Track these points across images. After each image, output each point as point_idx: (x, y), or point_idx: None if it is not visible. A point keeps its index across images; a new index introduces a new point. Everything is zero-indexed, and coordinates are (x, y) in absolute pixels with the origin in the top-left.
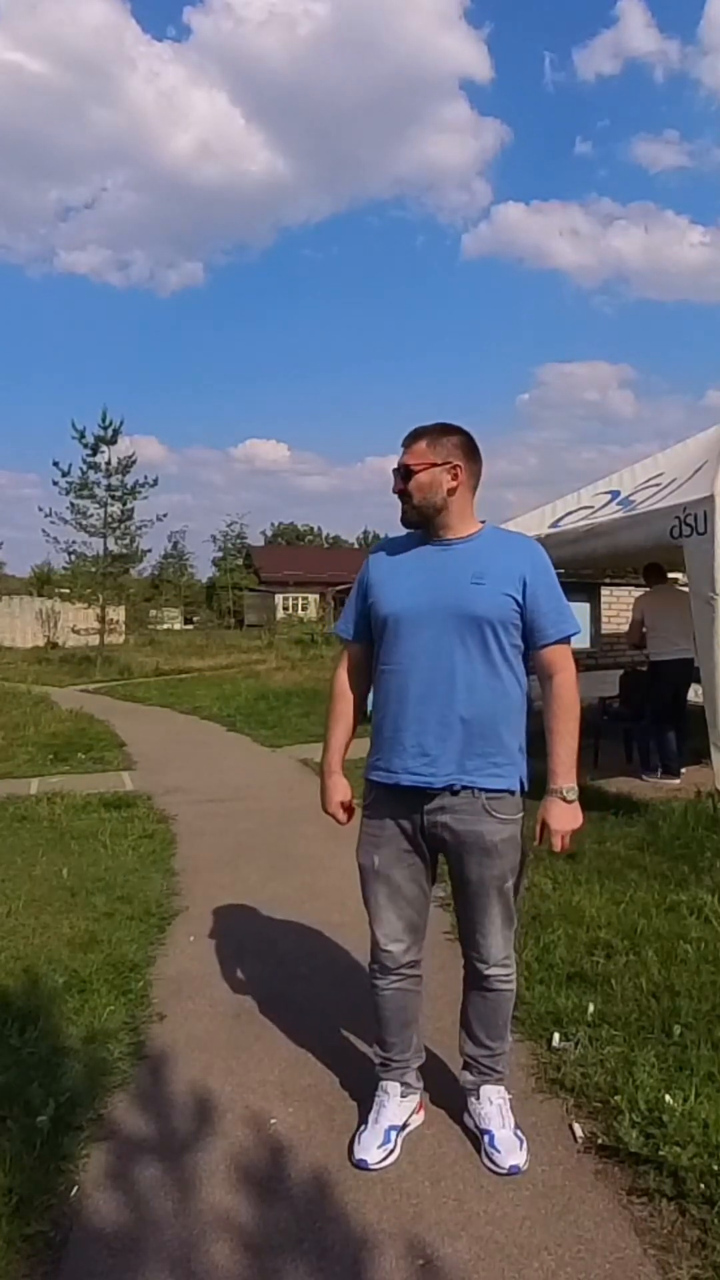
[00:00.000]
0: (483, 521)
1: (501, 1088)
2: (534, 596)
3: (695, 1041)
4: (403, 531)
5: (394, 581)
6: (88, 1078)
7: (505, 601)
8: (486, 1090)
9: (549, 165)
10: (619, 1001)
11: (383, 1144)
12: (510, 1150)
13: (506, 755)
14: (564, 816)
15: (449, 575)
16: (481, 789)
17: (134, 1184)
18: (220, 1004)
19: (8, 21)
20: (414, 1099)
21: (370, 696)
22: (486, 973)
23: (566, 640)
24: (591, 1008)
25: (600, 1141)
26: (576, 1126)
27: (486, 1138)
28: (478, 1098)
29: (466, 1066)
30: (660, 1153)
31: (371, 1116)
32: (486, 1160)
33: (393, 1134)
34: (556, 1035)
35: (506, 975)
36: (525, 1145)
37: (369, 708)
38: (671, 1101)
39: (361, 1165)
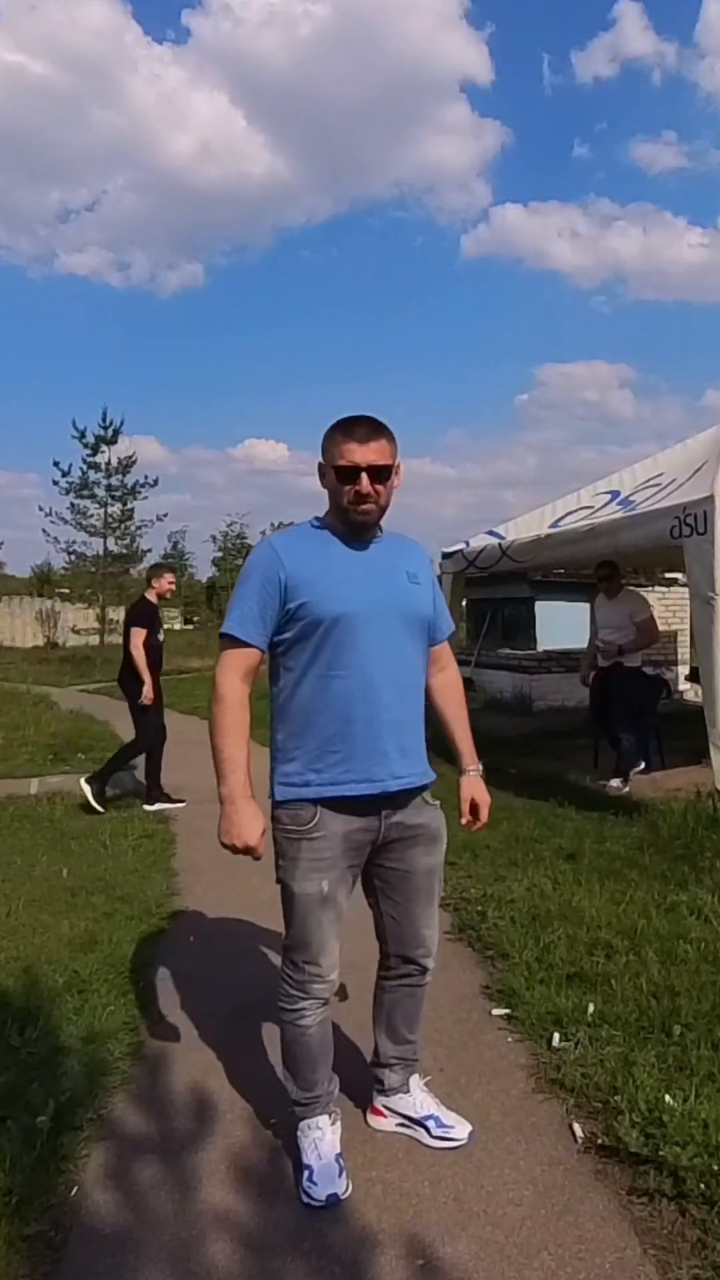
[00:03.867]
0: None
1: (418, 1073)
2: (436, 596)
3: (695, 1041)
4: (311, 535)
5: (332, 580)
6: (87, 1078)
7: (430, 600)
8: (413, 1081)
9: (548, 167)
10: (619, 1001)
11: (340, 1174)
12: (458, 1122)
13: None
14: (485, 791)
15: (388, 573)
16: (431, 782)
17: (134, 1184)
18: (220, 1004)
19: (9, 23)
20: (339, 1119)
21: (290, 706)
22: (427, 964)
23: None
24: (591, 1008)
25: (600, 1141)
26: (576, 1126)
27: (431, 1122)
28: (407, 1091)
29: (387, 1067)
30: (660, 1153)
31: (311, 1157)
32: (440, 1143)
33: (340, 1161)
34: (556, 1035)
35: (433, 964)
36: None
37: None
38: (671, 1101)
39: (333, 1200)
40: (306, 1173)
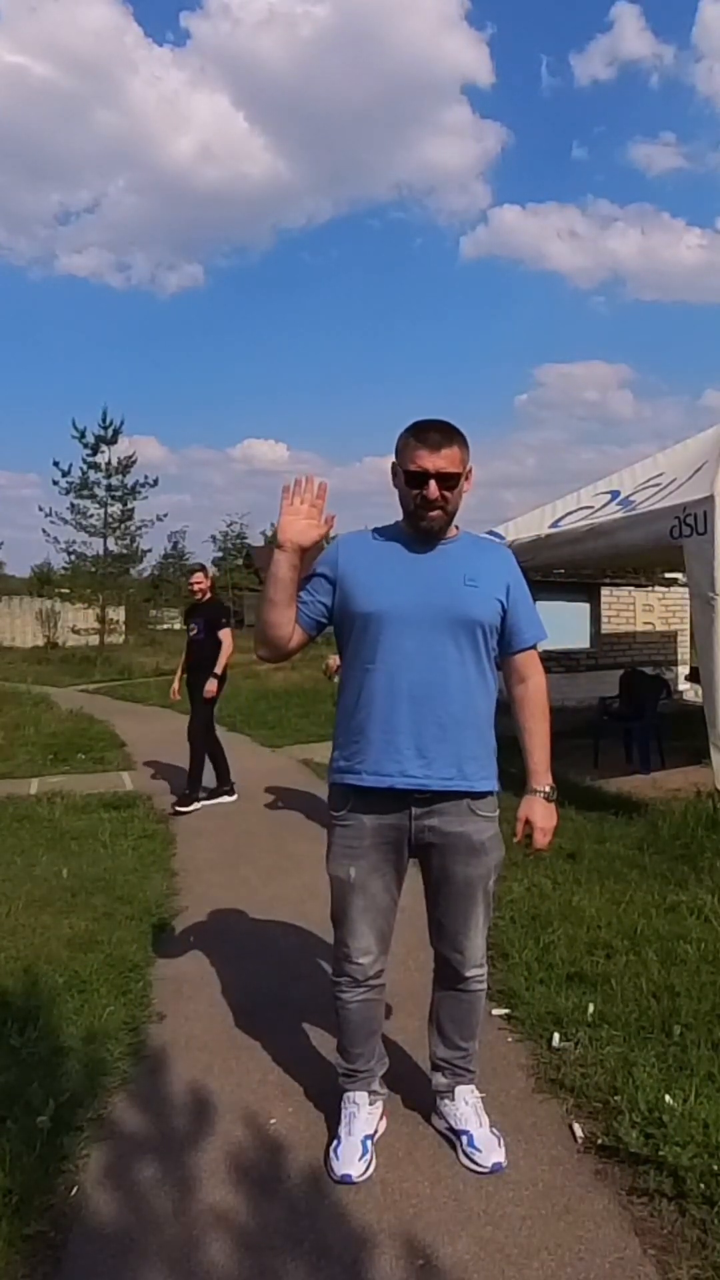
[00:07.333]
0: (456, 526)
1: (474, 1087)
2: (514, 603)
3: (695, 1042)
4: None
5: (376, 577)
6: (87, 1078)
7: (495, 606)
8: (461, 1091)
9: (547, 168)
10: (619, 1002)
11: (362, 1155)
12: (490, 1149)
13: (490, 756)
14: (548, 814)
15: (441, 575)
16: (476, 792)
17: (134, 1184)
18: (220, 1004)
19: (10, 24)
20: (380, 1105)
21: (339, 697)
22: (466, 974)
23: (536, 646)
24: (591, 1008)
25: (600, 1141)
26: (576, 1126)
27: (464, 1138)
28: (452, 1099)
29: (438, 1069)
30: (660, 1153)
31: (343, 1130)
32: (467, 1161)
33: (368, 1143)
34: (556, 1035)
35: (483, 975)
36: (503, 1142)
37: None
38: (671, 1102)
39: (346, 1180)
40: (335, 1144)
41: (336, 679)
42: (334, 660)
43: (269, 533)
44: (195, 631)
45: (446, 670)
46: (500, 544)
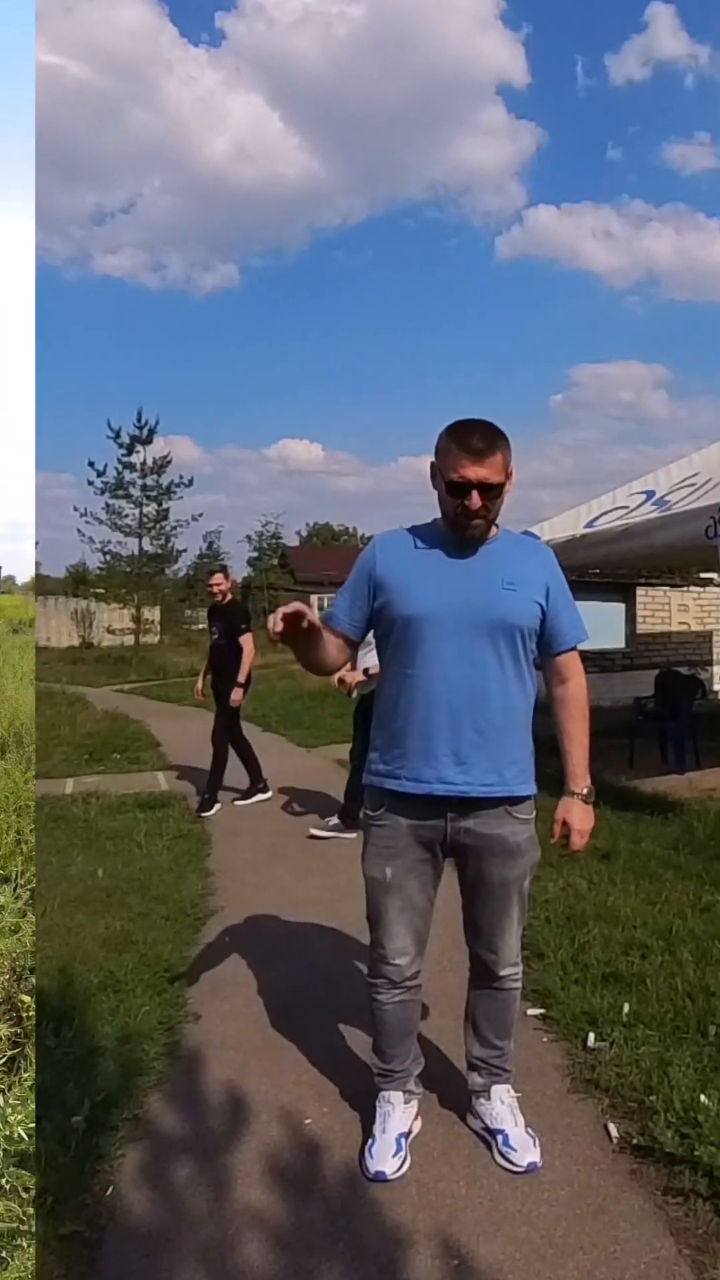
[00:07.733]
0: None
1: (509, 1086)
2: (555, 604)
3: None
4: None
5: (415, 580)
6: (123, 1078)
7: (535, 609)
8: (496, 1090)
9: (581, 169)
10: (654, 1002)
11: (396, 1153)
12: (526, 1148)
13: (529, 760)
14: (586, 816)
15: (479, 579)
16: (515, 797)
17: (169, 1184)
18: (254, 1004)
19: (46, 25)
20: (415, 1104)
21: (378, 698)
22: (501, 973)
23: (577, 646)
24: (627, 1008)
25: (635, 1142)
26: (611, 1126)
27: (500, 1138)
28: (488, 1098)
29: (474, 1068)
30: (696, 1153)
31: (378, 1128)
32: (502, 1160)
33: (402, 1141)
34: (592, 1035)
35: (518, 974)
36: (538, 1142)
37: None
38: (707, 1102)
39: (380, 1178)
40: (370, 1143)
41: (355, 694)
42: (351, 676)
43: (304, 533)
44: (216, 635)
45: (486, 675)
46: (540, 543)
